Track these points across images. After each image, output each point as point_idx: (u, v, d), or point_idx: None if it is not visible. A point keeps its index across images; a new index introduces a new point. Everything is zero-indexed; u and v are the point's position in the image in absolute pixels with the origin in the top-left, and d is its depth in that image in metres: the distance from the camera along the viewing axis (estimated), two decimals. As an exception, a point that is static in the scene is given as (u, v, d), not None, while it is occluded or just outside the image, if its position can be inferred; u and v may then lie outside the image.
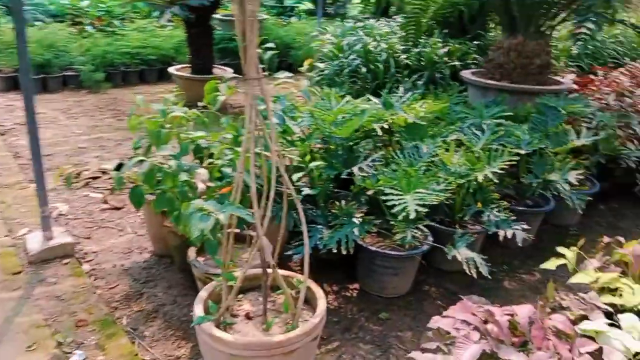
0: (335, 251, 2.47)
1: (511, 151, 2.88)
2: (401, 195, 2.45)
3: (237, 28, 1.81)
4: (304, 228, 1.93)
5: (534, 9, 4.32)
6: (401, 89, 4.56)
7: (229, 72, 6.39)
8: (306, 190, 2.69)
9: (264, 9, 10.92)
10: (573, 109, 3.40)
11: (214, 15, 7.08)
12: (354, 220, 2.60)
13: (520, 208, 3.14)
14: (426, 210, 2.42)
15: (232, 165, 2.38)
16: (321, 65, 5.69)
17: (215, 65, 6.60)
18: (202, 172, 2.65)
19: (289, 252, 2.50)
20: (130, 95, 6.47)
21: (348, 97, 3.03)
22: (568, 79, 5.18)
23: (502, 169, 2.81)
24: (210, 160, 2.78)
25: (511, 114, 3.58)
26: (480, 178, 2.69)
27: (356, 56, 5.51)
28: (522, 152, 2.94)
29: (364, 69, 5.33)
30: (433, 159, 2.75)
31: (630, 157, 3.72)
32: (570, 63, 6.74)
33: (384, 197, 2.46)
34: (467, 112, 3.44)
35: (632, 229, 3.64)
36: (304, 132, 2.85)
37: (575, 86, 4.74)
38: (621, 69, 6.24)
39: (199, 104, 3.10)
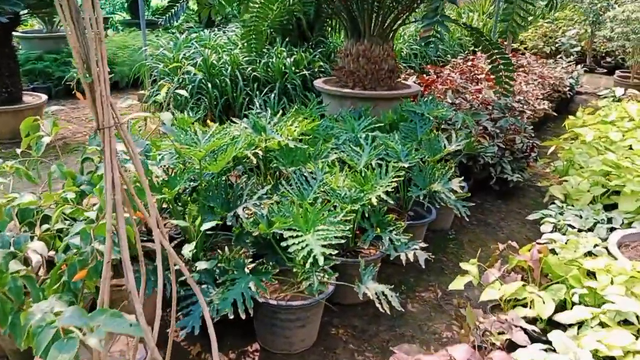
0: (232, 317, 2.03)
1: (395, 166, 2.72)
2: (301, 236, 2.10)
3: (76, 58, 1.29)
4: (204, 308, 1.48)
5: (376, 12, 4.31)
6: (256, 103, 4.23)
7: (43, 98, 5.38)
8: (189, 258, 2.19)
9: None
10: (437, 113, 3.39)
11: (14, 33, 5.95)
12: (246, 271, 2.18)
13: (407, 222, 3.02)
14: (335, 252, 2.10)
15: (82, 236, 1.78)
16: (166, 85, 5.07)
17: (25, 92, 5.51)
18: (37, 246, 1.99)
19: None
20: None
21: (214, 126, 2.58)
22: (412, 81, 5.33)
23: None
24: (47, 225, 2.13)
25: (380, 124, 3.46)
26: (374, 200, 2.46)
27: (198, 71, 5.00)
28: (406, 165, 2.80)
29: (209, 85, 4.85)
30: (323, 186, 2.45)
31: (487, 153, 3.87)
32: (403, 64, 7.05)
33: (283, 243, 2.08)
34: (338, 126, 3.22)
35: (500, 222, 3.78)
36: (168, 173, 2.34)
37: (420, 88, 4.86)
38: (449, 67, 6.70)
39: (18, 150, 2.40)
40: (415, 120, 3.34)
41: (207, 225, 2.06)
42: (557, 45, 9.97)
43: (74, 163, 2.37)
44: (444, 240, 3.46)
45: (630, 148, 4.27)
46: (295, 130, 2.87)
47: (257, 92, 4.91)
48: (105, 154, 1.32)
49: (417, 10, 4.65)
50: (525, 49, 10.31)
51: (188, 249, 2.05)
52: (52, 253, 2.22)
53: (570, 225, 3.14)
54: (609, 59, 10.14)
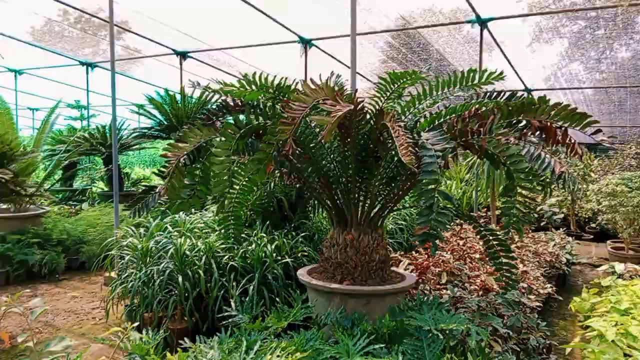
0: None
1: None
2: None
3: None
4: None
5: (362, 202, 4.04)
6: (232, 305, 3.69)
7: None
8: None
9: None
10: (446, 326, 2.88)
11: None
12: None
13: None
14: None
15: None
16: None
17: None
18: None
19: None
20: None
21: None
22: (404, 267, 4.93)
23: None
24: None
25: (374, 336, 2.93)
26: None
27: (169, 261, 4.53)
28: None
29: (180, 278, 4.34)
30: None
31: (503, 364, 3.29)
32: (389, 239, 6.73)
33: None
34: (330, 349, 2.66)
35: None
36: None
37: (415, 277, 4.42)
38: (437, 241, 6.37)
39: None
40: (421, 336, 2.81)
41: None
42: (539, 212, 9.92)
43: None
44: None
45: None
46: (277, 363, 2.31)
47: (234, 284, 4.40)
48: None
49: (406, 197, 4.41)
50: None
51: None
52: None
53: None
54: (593, 225, 10.07)
